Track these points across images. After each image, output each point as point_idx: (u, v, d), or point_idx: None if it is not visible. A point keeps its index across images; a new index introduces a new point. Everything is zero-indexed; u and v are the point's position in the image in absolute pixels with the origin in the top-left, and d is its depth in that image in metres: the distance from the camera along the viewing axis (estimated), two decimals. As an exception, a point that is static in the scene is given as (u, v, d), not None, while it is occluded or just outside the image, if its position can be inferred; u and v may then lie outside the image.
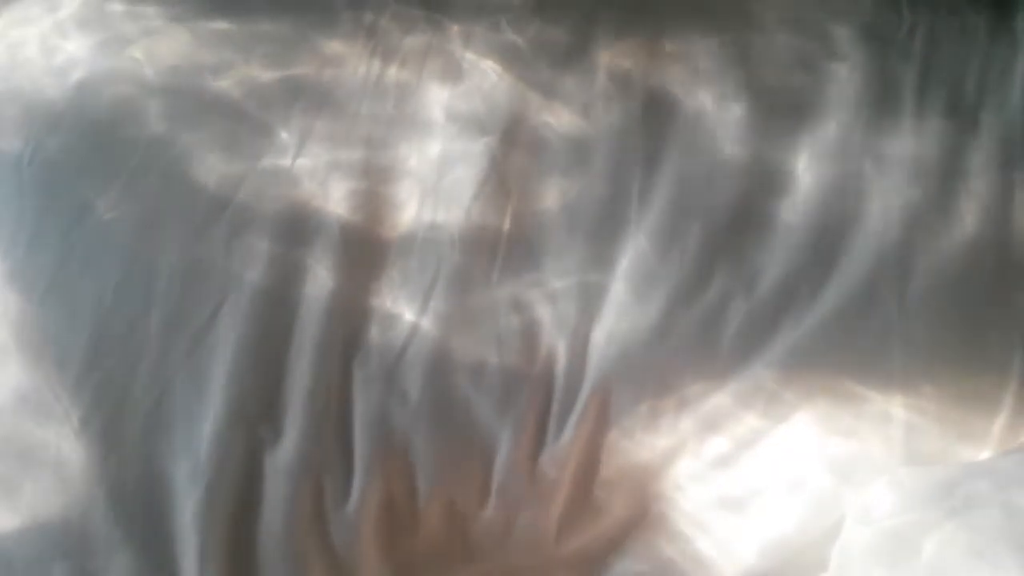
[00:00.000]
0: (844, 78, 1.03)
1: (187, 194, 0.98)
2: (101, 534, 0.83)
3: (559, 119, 1.04)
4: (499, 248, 0.97)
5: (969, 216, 0.94)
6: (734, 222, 0.96)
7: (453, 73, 1.07)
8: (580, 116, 1.04)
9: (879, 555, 0.67)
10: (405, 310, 0.95)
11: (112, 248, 0.95)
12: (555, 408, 0.91)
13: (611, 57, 1.08)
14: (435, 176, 1.01)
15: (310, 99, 1.05)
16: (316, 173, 1.00)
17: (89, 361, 0.89)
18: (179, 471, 0.85)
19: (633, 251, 0.96)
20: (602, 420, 0.90)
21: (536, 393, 0.91)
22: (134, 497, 0.85)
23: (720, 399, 0.88)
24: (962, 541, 0.63)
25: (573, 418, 0.90)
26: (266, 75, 1.07)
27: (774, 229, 0.95)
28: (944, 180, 0.96)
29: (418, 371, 0.91)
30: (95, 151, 1.01)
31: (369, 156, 1.02)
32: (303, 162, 1.01)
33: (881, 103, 1.01)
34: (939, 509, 0.66)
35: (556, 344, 0.93)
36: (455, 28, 1.10)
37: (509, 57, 1.08)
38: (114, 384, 0.89)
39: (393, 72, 1.08)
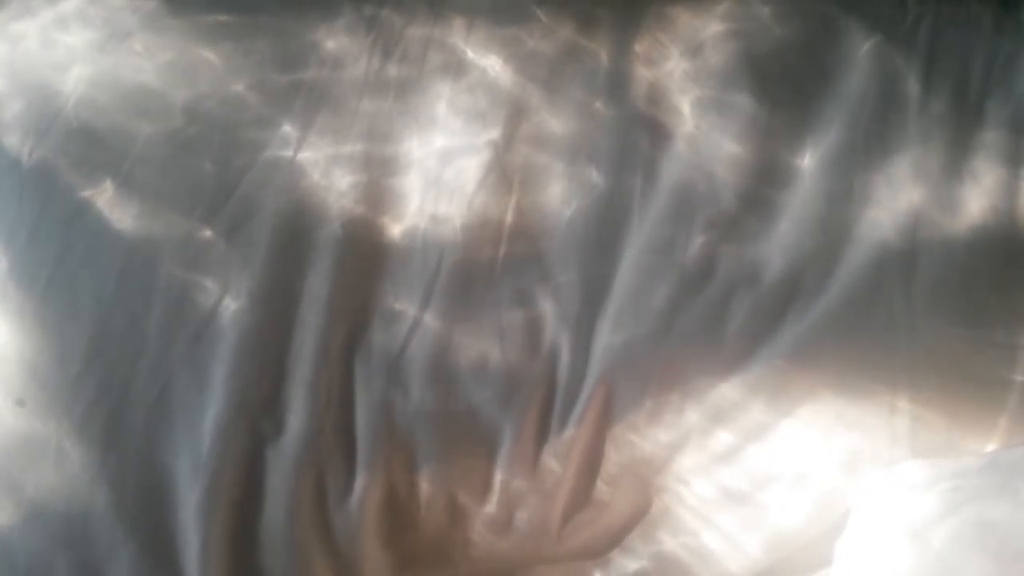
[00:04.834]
0: (848, 69, 1.03)
1: (188, 187, 0.98)
2: (103, 528, 0.83)
3: (561, 112, 1.04)
4: (501, 241, 0.97)
5: (975, 208, 0.93)
6: (738, 214, 0.96)
7: (455, 66, 1.07)
8: (582, 109, 1.04)
9: (886, 548, 0.67)
10: (407, 304, 0.94)
11: (112, 242, 0.95)
12: (558, 402, 0.91)
13: (613, 50, 1.07)
14: (437, 169, 1.01)
15: (312, 92, 1.05)
16: (318, 166, 1.00)
17: (90, 355, 0.89)
18: (181, 465, 0.85)
19: (636, 243, 0.95)
20: (605, 414, 0.89)
21: (539, 387, 0.91)
22: (136, 491, 0.84)
23: (725, 392, 0.88)
24: (970, 535, 0.63)
25: (576, 412, 0.90)
26: (267, 68, 1.06)
27: (778, 221, 0.95)
28: (949, 171, 0.95)
29: (420, 365, 0.91)
30: (95, 145, 1.01)
31: (371, 149, 1.02)
32: (305, 155, 1.01)
33: (886, 94, 1.00)
34: (946, 502, 0.66)
35: (559, 337, 0.92)
36: (457, 21, 1.10)
37: (511, 50, 1.07)
38: (115, 378, 0.88)
39: (395, 65, 1.07)
